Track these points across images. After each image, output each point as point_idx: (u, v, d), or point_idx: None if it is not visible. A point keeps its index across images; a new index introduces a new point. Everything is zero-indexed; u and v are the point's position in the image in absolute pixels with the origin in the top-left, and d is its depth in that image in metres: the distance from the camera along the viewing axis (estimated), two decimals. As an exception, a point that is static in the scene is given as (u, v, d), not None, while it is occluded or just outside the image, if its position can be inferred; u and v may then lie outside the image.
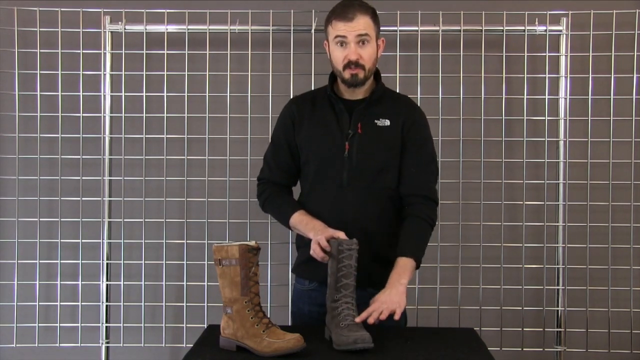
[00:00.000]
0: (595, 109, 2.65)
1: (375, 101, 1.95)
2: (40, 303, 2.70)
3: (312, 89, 2.33)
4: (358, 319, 1.72)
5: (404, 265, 1.84)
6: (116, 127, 2.68)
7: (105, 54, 2.65)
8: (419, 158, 1.95)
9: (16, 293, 2.69)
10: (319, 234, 1.81)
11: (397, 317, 1.75)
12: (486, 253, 2.63)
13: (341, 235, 1.79)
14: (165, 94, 2.66)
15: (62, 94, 2.68)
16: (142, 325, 2.67)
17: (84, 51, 2.66)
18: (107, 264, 2.67)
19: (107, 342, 2.69)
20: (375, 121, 1.94)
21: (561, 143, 2.64)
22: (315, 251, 1.80)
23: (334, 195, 1.92)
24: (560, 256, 2.63)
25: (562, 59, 2.63)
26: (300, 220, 1.92)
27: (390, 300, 1.76)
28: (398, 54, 2.62)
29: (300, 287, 2.05)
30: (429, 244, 2.59)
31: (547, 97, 2.64)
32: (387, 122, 1.94)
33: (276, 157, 2.03)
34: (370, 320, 1.73)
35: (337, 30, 1.86)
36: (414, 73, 2.62)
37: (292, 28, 2.61)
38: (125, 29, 2.64)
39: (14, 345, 2.68)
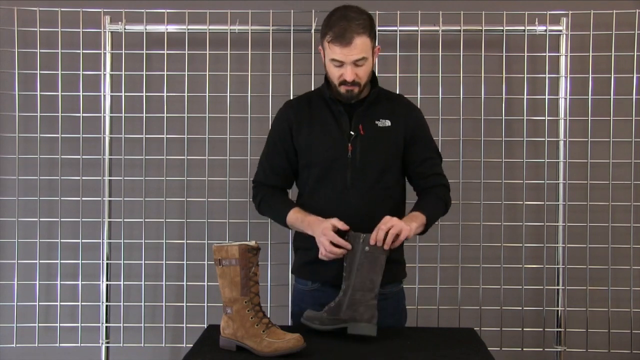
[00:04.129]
0: (595, 109, 2.65)
1: (374, 102, 1.96)
2: (40, 303, 2.70)
3: (312, 89, 2.33)
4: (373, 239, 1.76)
5: (418, 216, 1.88)
6: (116, 127, 2.68)
7: (105, 54, 2.65)
8: (430, 155, 2.00)
9: (16, 293, 2.69)
10: (317, 229, 1.83)
11: (402, 237, 1.77)
12: (486, 253, 2.63)
13: (337, 222, 1.82)
14: (165, 94, 2.66)
15: (62, 94, 2.68)
16: (142, 325, 2.67)
17: (84, 51, 2.66)
18: (107, 264, 2.67)
19: (107, 342, 2.69)
20: (376, 122, 1.94)
21: (561, 143, 2.64)
22: (326, 248, 1.80)
23: (337, 197, 1.92)
24: (560, 256, 2.63)
25: (562, 59, 2.63)
26: (296, 218, 1.92)
27: (398, 222, 1.78)
28: (398, 54, 2.62)
29: (302, 288, 2.04)
30: (428, 244, 2.61)
31: (547, 97, 2.64)
32: (388, 123, 1.95)
33: (271, 161, 2.02)
34: (380, 236, 1.76)
35: (334, 53, 1.84)
36: (414, 73, 2.62)
37: (292, 28, 2.61)
38: (125, 29, 2.64)
39: (14, 345, 2.68)
